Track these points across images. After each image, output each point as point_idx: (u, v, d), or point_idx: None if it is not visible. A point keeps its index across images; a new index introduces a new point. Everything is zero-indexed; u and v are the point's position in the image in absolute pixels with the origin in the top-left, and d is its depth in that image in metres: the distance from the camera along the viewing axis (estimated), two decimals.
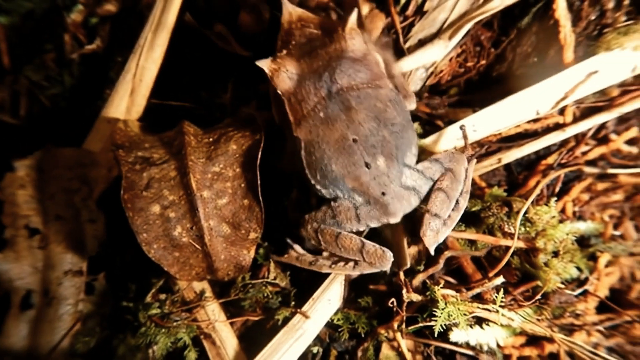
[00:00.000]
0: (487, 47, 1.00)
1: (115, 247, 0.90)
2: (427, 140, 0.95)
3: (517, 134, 0.99)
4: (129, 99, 0.91)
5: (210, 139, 0.82)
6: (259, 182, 0.77)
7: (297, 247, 0.87)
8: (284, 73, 0.74)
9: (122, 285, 0.87)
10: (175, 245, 0.77)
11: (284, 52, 0.76)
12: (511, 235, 0.87)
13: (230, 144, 0.80)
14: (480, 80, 1.03)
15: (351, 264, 0.81)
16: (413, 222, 0.83)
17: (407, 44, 0.99)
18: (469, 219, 0.96)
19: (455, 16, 0.96)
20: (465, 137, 0.86)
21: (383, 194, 0.75)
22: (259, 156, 0.77)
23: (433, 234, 0.78)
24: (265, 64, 0.74)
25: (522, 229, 0.87)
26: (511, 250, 0.81)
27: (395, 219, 0.77)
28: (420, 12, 0.98)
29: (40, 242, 0.82)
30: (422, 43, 0.99)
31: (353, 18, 0.75)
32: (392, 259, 0.77)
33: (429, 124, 1.01)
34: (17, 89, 0.94)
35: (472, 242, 0.94)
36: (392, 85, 0.78)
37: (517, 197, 0.95)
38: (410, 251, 0.87)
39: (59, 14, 0.93)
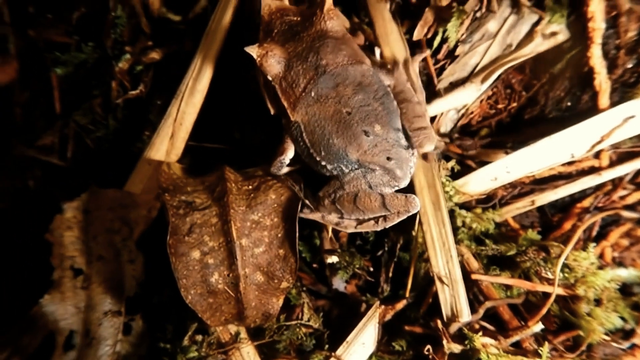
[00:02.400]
0: (518, 90, 1.01)
1: (152, 287, 0.92)
2: (459, 182, 0.96)
3: (551, 176, 0.98)
4: (169, 142, 0.95)
5: (250, 187, 0.84)
6: (297, 233, 0.78)
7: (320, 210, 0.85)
8: (271, 58, 0.76)
9: (159, 325, 0.88)
10: (211, 291, 0.78)
11: (268, 40, 0.79)
12: (549, 281, 0.86)
13: (269, 193, 0.82)
14: (511, 122, 1.04)
15: (378, 221, 0.80)
16: None
17: (439, 86, 1.01)
18: (504, 263, 0.95)
19: (487, 61, 0.98)
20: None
21: (388, 159, 0.78)
22: (299, 208, 0.78)
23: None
24: (253, 50, 0.76)
25: (560, 274, 0.86)
26: (552, 299, 0.79)
27: (404, 182, 0.80)
28: (451, 56, 1.00)
29: (83, 282, 0.84)
30: (453, 86, 1.01)
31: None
32: (418, 201, 0.78)
33: (460, 164, 1.01)
34: (66, 133, 0.99)
35: (507, 287, 0.93)
36: (369, 60, 0.82)
37: (552, 239, 0.94)
38: None
39: (108, 62, 0.99)
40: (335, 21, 0.79)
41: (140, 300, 0.89)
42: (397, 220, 0.80)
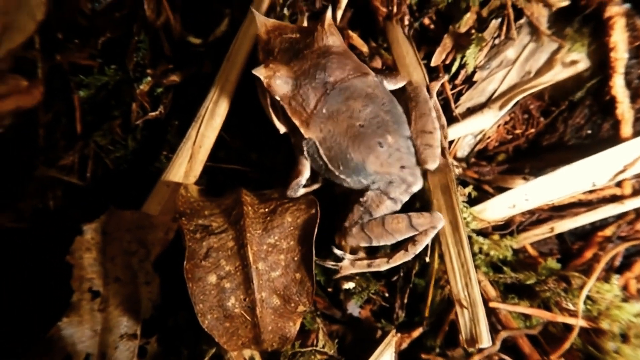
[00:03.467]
0: (536, 116, 1.01)
1: (168, 309, 0.91)
2: (477, 208, 0.95)
3: (570, 203, 0.97)
4: (187, 165, 0.96)
5: (266, 210, 0.84)
6: (314, 257, 0.78)
7: (348, 255, 0.87)
8: (279, 79, 0.76)
9: (174, 348, 0.88)
10: (227, 315, 0.78)
11: (271, 59, 0.78)
12: (570, 312, 0.84)
13: (285, 216, 0.82)
14: (529, 148, 1.03)
15: (407, 248, 0.81)
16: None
17: (456, 111, 1.00)
18: (523, 292, 0.93)
19: (505, 88, 0.97)
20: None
21: (402, 167, 0.80)
22: (315, 231, 0.78)
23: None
24: (260, 72, 0.76)
25: (583, 306, 0.84)
26: (575, 332, 0.78)
27: (417, 187, 0.82)
28: (469, 81, 1.00)
29: (100, 304, 0.84)
30: (471, 111, 1.01)
31: (329, 15, 0.78)
32: (441, 216, 0.81)
33: (477, 190, 1.00)
34: (86, 153, 1.01)
35: (526, 317, 0.91)
36: (372, 71, 0.82)
37: (572, 268, 0.92)
38: None
39: (129, 85, 1.01)
40: (335, 36, 0.80)
41: (156, 323, 0.89)
42: (426, 242, 0.81)
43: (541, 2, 0.89)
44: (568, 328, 0.83)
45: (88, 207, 0.98)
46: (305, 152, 0.81)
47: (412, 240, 0.81)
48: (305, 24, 1.00)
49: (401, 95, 0.89)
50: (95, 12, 0.99)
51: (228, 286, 0.78)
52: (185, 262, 0.76)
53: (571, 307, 0.83)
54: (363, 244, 0.81)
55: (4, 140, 0.99)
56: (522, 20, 0.92)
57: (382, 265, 0.84)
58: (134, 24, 1.00)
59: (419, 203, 0.94)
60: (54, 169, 0.97)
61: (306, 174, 0.85)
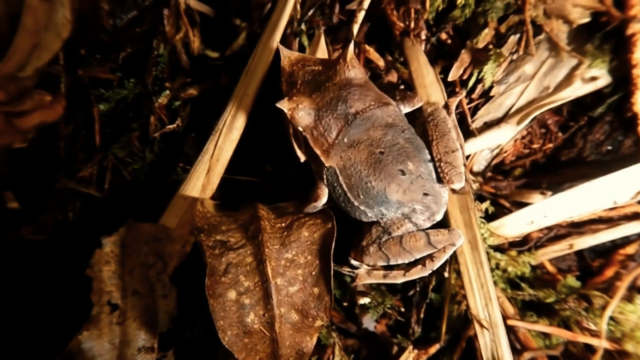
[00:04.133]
0: (554, 131, 1.00)
1: (184, 322, 0.92)
2: (494, 224, 0.94)
3: (590, 220, 0.96)
4: (205, 178, 0.96)
5: (283, 224, 0.84)
6: (332, 271, 0.77)
7: (364, 265, 0.86)
8: (301, 111, 0.78)
9: None
10: (247, 331, 0.78)
11: (294, 91, 0.80)
12: (591, 332, 0.82)
13: (302, 231, 0.82)
14: (547, 163, 1.02)
15: (425, 263, 0.81)
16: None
17: (472, 126, 1.00)
18: (542, 309, 0.92)
19: (523, 102, 0.97)
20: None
21: (425, 194, 0.79)
22: (333, 245, 0.78)
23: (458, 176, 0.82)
24: (284, 105, 0.78)
25: (605, 326, 0.82)
26: (599, 355, 0.76)
27: (440, 215, 0.82)
28: (486, 96, 1.00)
29: (119, 317, 0.85)
30: (487, 126, 1.00)
31: (351, 49, 0.80)
32: (461, 233, 0.80)
33: (494, 204, 0.99)
34: (104, 165, 1.02)
35: (545, 335, 0.89)
36: (392, 100, 0.84)
37: (591, 285, 0.91)
38: None
39: (148, 98, 1.02)
40: (357, 69, 0.82)
41: (173, 336, 0.89)
42: (444, 259, 0.80)
43: (561, 18, 0.88)
44: (589, 349, 0.81)
45: (106, 219, 0.98)
46: (325, 181, 0.82)
47: (430, 256, 0.81)
48: (322, 39, 1.01)
49: (419, 115, 0.90)
50: (117, 28, 1.01)
51: (247, 302, 0.78)
52: (206, 279, 0.76)
53: (592, 327, 0.81)
54: (380, 263, 0.81)
55: (27, 154, 1.00)
56: (541, 36, 0.92)
57: (398, 277, 0.84)
58: (153, 38, 1.02)
59: None
60: (73, 181, 0.98)
61: (324, 198, 0.86)
